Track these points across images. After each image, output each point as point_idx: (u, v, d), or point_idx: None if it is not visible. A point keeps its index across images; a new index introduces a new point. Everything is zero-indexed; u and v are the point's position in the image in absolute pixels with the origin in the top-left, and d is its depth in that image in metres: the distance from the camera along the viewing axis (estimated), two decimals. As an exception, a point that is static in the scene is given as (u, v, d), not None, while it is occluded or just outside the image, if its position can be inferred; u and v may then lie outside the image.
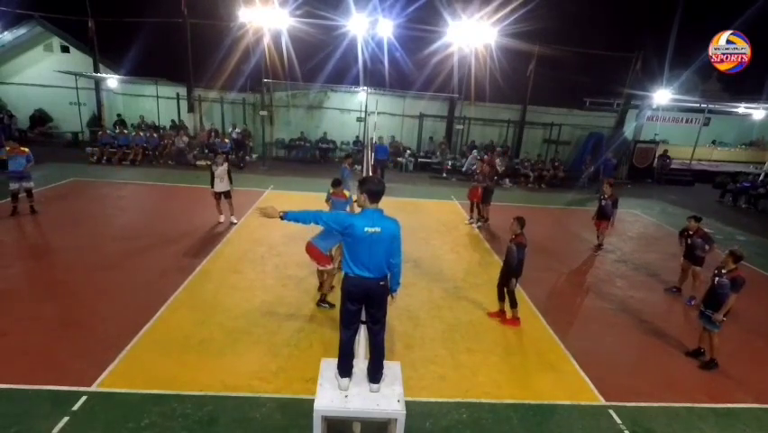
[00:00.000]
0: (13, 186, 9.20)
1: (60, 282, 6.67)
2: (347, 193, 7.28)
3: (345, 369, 3.41)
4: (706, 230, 7.63)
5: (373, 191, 3.30)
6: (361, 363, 3.56)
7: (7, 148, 9.29)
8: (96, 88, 18.83)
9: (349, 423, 3.55)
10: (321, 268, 6.26)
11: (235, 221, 9.77)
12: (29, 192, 9.41)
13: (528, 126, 20.34)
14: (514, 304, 6.29)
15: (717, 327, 5.49)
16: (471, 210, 11.30)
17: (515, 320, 6.33)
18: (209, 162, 16.11)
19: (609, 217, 9.41)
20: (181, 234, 9.01)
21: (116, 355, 4.93)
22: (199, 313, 5.99)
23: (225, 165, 9.40)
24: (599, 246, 9.79)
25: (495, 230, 10.71)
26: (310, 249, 6.10)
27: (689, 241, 7.54)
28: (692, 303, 7.33)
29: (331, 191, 7.25)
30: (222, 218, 9.77)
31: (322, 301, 6.42)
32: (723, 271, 5.49)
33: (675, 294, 7.89)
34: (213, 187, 9.35)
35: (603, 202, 9.39)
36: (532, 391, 4.93)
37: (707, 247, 7.33)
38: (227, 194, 9.52)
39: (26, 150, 9.31)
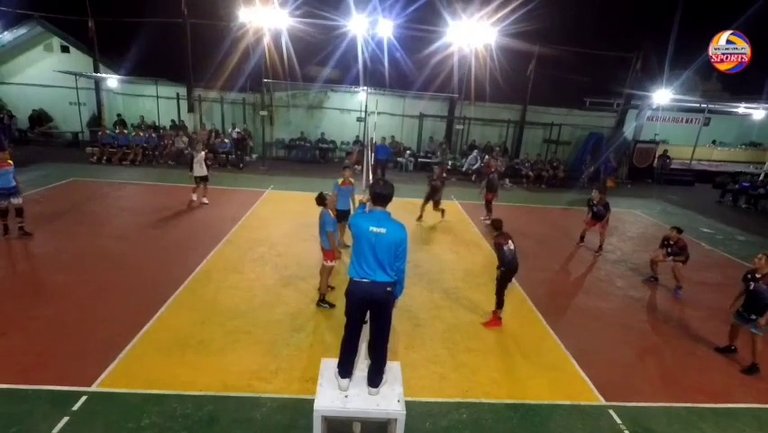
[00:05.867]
0: (2, 203, 7.88)
1: (60, 282, 6.67)
2: (353, 180, 8.19)
3: (346, 370, 3.41)
4: (685, 241, 7.98)
5: (376, 194, 3.34)
6: (361, 364, 3.56)
7: None
8: (96, 88, 18.81)
9: (349, 423, 3.55)
10: (324, 264, 6.33)
11: (206, 201, 10.98)
12: (18, 211, 8.08)
13: (528, 126, 20.33)
14: (500, 304, 6.24)
15: (760, 332, 5.43)
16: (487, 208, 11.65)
17: (496, 321, 6.29)
18: (209, 163, 16.21)
19: (602, 218, 9.54)
20: (181, 234, 9.02)
21: (116, 355, 4.93)
22: (199, 313, 5.99)
23: (203, 153, 10.84)
24: (600, 248, 9.79)
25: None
26: (323, 250, 6.32)
27: (669, 250, 7.96)
28: (679, 293, 7.85)
29: (339, 182, 7.96)
30: (194, 197, 10.83)
31: (321, 301, 6.43)
32: (757, 275, 5.46)
33: (654, 283, 8.36)
34: (192, 171, 10.64)
35: (595, 209, 9.55)
36: (532, 391, 4.93)
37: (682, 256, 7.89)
38: (205, 178, 10.78)
39: (11, 162, 8.02)
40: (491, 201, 11.42)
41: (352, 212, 7.83)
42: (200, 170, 10.52)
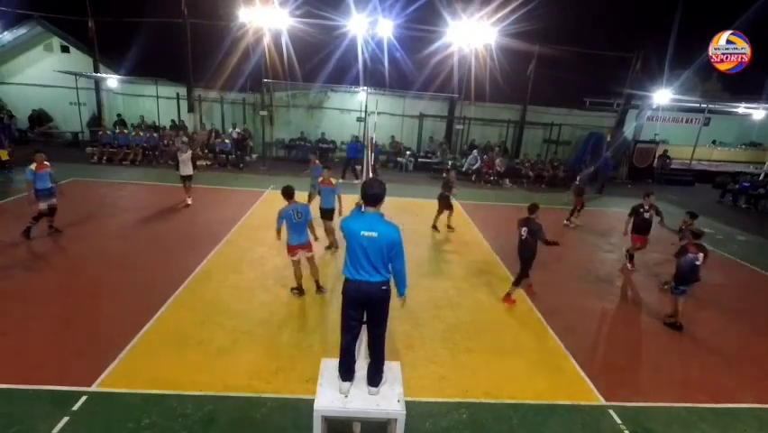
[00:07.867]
0: (41, 206, 8.01)
1: (60, 282, 6.67)
2: (334, 181, 8.14)
3: (346, 373, 3.40)
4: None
5: (364, 194, 3.30)
6: (361, 364, 3.56)
7: (34, 165, 7.89)
8: (96, 88, 18.82)
9: (349, 423, 3.56)
10: (308, 255, 6.60)
11: (190, 202, 10.98)
12: (52, 209, 8.29)
13: (528, 126, 20.33)
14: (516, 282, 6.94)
15: (674, 290, 6.51)
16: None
17: (509, 298, 6.99)
18: (209, 163, 16.26)
19: (650, 227, 8.46)
20: (181, 233, 9.02)
21: (116, 355, 4.93)
22: (199, 313, 5.99)
23: (189, 152, 10.87)
24: (631, 259, 8.94)
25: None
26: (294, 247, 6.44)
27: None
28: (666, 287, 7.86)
29: (320, 179, 8.15)
30: (189, 201, 10.90)
31: (318, 289, 6.78)
32: None
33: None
34: (179, 171, 10.73)
35: (647, 214, 8.35)
36: (532, 391, 4.93)
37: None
38: (189, 178, 10.91)
39: (47, 162, 8.22)
40: (581, 205, 11.95)
41: (336, 212, 8.03)
42: (185, 169, 10.84)
